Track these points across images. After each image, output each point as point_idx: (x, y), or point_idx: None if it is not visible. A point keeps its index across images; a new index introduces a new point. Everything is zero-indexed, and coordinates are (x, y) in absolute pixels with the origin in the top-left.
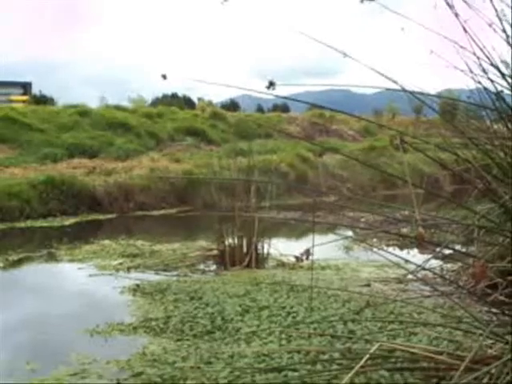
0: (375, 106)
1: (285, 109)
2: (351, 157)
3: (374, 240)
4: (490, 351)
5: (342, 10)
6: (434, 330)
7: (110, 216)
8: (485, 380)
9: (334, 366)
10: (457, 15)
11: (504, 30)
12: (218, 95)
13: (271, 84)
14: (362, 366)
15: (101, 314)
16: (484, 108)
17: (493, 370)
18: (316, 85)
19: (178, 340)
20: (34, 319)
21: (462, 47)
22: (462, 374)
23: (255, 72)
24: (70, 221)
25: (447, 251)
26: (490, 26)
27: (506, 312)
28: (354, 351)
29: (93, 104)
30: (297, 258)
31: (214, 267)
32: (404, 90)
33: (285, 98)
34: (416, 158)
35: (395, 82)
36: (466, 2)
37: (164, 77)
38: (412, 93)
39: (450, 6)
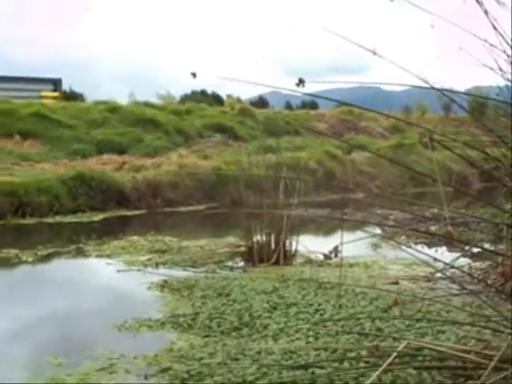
0: (404, 103)
1: (313, 106)
2: (379, 154)
3: (402, 238)
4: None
5: (371, 6)
6: (461, 328)
7: (138, 212)
8: None
9: (361, 364)
10: (486, 12)
11: None
12: (247, 92)
13: (301, 81)
14: (389, 364)
15: (128, 309)
16: None
17: None
18: (344, 82)
19: (206, 336)
20: (61, 314)
21: (491, 45)
22: (489, 374)
23: (284, 69)
24: (98, 216)
25: (476, 249)
26: None
27: None
28: (382, 349)
29: (122, 100)
30: (325, 255)
31: (241, 264)
32: (433, 88)
33: (313, 95)
34: (445, 156)
35: (424, 79)
36: None
37: (194, 75)
38: (441, 90)
39: (480, 3)
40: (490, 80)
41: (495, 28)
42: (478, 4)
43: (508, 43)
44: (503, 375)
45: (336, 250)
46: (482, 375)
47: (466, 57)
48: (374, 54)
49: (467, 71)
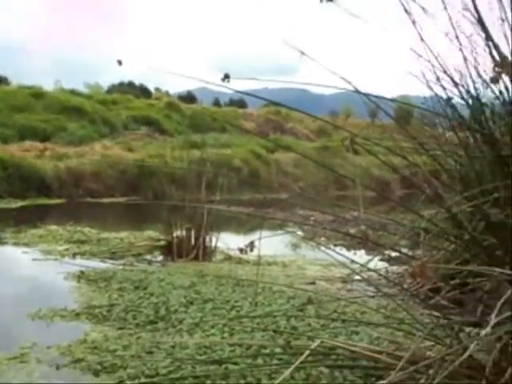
0: (332, 106)
1: (242, 104)
2: (304, 155)
3: (322, 239)
4: (428, 353)
5: (304, 10)
6: (375, 330)
7: (58, 201)
8: (422, 380)
9: (275, 361)
10: (414, 22)
11: (457, 38)
12: (176, 86)
13: (226, 77)
14: (302, 362)
15: (43, 299)
16: (436, 115)
17: (430, 371)
18: (272, 81)
19: (120, 328)
20: None
21: (418, 55)
22: (397, 374)
23: (215, 66)
24: (17, 203)
25: (393, 253)
26: (446, 35)
27: (447, 316)
28: (296, 347)
29: (48, 87)
30: (241, 249)
31: (160, 258)
32: (359, 92)
33: (242, 92)
34: (369, 161)
35: (351, 83)
36: (423, 9)
37: (119, 63)
38: (367, 95)
39: (408, 13)
40: (416, 90)
41: (422, 38)
42: (406, 13)
43: (433, 53)
44: (410, 374)
45: (252, 245)
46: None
47: (394, 64)
48: (302, 54)
49: (395, 79)
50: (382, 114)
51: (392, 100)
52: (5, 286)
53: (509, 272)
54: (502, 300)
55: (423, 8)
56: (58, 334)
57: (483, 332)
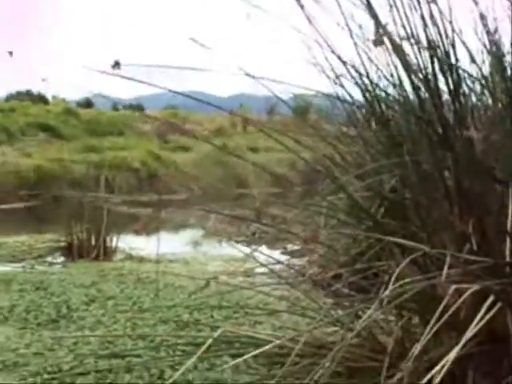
0: (231, 107)
1: (140, 108)
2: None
3: (223, 236)
4: (331, 338)
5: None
6: (279, 319)
7: None
8: (326, 364)
9: (178, 353)
10: (302, 7)
11: (351, 34)
12: (73, 94)
13: (116, 63)
14: (205, 352)
15: None
16: (336, 115)
17: (330, 354)
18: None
19: (22, 328)
20: None
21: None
22: (301, 359)
23: (114, 71)
24: None
25: (295, 247)
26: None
27: (351, 302)
28: (199, 338)
29: None
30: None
31: (61, 259)
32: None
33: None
34: (268, 159)
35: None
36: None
37: (10, 54)
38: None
39: (302, 8)
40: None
41: (319, 33)
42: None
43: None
44: (311, 359)
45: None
46: (296, 361)
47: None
48: (203, 46)
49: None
50: (280, 111)
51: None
52: None
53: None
54: (395, 274)
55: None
56: None
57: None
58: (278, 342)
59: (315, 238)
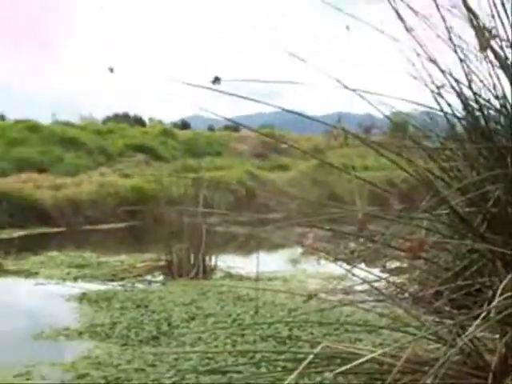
0: (326, 126)
1: (236, 128)
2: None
3: (322, 254)
4: (433, 355)
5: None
6: (379, 336)
7: (58, 229)
8: (428, 381)
9: (278, 369)
10: (408, 29)
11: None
12: (169, 115)
13: (216, 79)
14: (305, 368)
15: (46, 320)
16: (433, 130)
17: (431, 371)
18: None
19: (124, 345)
20: None
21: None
22: (402, 376)
23: (209, 92)
24: (18, 233)
25: (393, 265)
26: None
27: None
28: (299, 354)
29: (44, 121)
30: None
31: (161, 278)
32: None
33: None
34: (365, 177)
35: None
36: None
37: (111, 70)
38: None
39: (402, 20)
40: (409, 105)
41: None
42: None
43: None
44: (412, 376)
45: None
46: (398, 378)
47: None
48: (302, 61)
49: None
50: (377, 131)
51: (387, 117)
52: (7, 311)
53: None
54: (500, 290)
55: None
56: (62, 352)
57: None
58: (376, 355)
59: (421, 246)
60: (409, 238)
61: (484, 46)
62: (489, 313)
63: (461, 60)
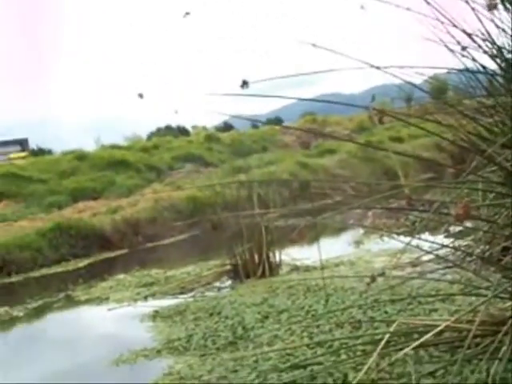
0: (365, 103)
1: (278, 121)
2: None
3: (384, 231)
4: (509, 313)
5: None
6: (454, 304)
7: (120, 252)
8: (507, 340)
9: (358, 353)
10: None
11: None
12: (211, 120)
13: (244, 83)
14: (385, 348)
15: (123, 343)
16: (473, 88)
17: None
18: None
19: (202, 355)
20: (59, 364)
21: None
22: (482, 340)
23: (243, 90)
24: (83, 262)
25: (457, 229)
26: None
27: None
28: (375, 335)
29: (89, 147)
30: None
31: (229, 282)
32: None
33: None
34: (414, 146)
35: (381, 69)
36: None
37: (141, 96)
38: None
39: None
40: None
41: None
42: None
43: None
44: (489, 341)
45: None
46: (478, 343)
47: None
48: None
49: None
50: (417, 98)
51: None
52: (84, 339)
53: None
54: None
55: None
56: (143, 372)
57: None
58: (450, 323)
59: (466, 211)
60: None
61: (493, 5)
62: None
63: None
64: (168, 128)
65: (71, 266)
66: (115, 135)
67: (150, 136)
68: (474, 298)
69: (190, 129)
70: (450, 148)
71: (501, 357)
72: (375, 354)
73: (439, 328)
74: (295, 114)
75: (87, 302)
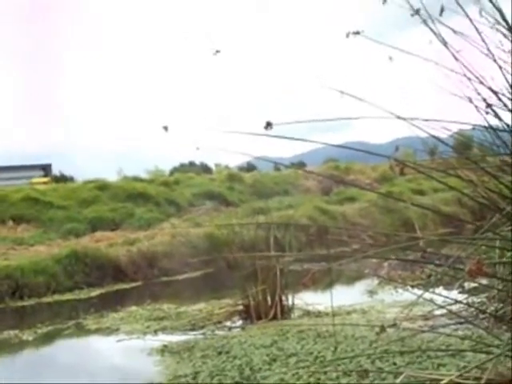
0: (390, 153)
1: (301, 165)
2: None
3: (399, 282)
4: None
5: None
6: (463, 360)
7: (134, 284)
8: None
9: None
10: (455, 54)
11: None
12: (234, 160)
13: (268, 124)
14: None
15: (130, 376)
16: (497, 146)
17: None
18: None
19: None
20: None
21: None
22: None
23: (268, 132)
24: (96, 292)
25: (472, 284)
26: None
27: None
28: None
29: (111, 178)
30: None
31: (240, 322)
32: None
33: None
34: (434, 200)
35: (406, 121)
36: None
37: (166, 128)
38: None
39: (446, 44)
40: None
41: (466, 68)
42: (444, 46)
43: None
44: None
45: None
46: None
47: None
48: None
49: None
50: (441, 151)
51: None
52: (92, 369)
53: None
54: None
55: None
56: None
57: None
58: (454, 377)
59: (479, 267)
60: (469, 260)
61: None
62: None
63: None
64: (191, 164)
65: (84, 294)
66: (137, 168)
67: (173, 171)
68: (483, 356)
69: (212, 167)
70: (470, 204)
71: None
72: None
73: (444, 382)
74: (319, 159)
75: (97, 331)
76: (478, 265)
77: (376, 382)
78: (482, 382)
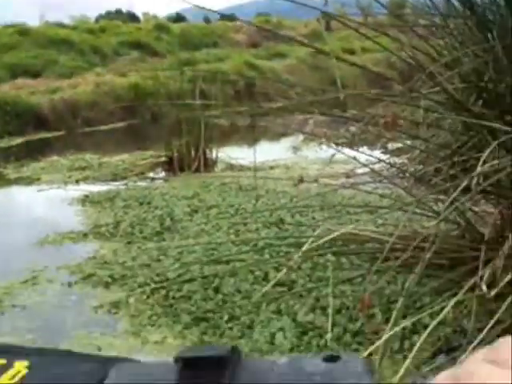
0: (324, 10)
1: (232, 18)
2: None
3: (323, 139)
4: (431, 231)
5: None
6: (380, 217)
7: (57, 134)
8: (428, 255)
9: (281, 254)
10: None
11: None
12: (164, 10)
13: None
14: (308, 251)
15: (50, 225)
16: (428, 7)
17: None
18: None
19: (128, 243)
20: None
21: None
22: (402, 253)
23: None
24: (16, 141)
25: (395, 145)
26: None
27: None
28: (300, 238)
29: (33, 23)
30: None
31: (162, 174)
32: None
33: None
34: (365, 59)
35: None
36: None
37: None
38: None
39: None
40: None
41: None
42: None
43: None
44: (411, 254)
45: None
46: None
47: None
48: None
49: None
50: (375, 12)
51: None
52: (11, 218)
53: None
54: (483, 157)
55: None
56: (68, 255)
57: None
58: (371, 232)
59: (394, 120)
60: (384, 115)
61: None
62: (478, 183)
63: None
64: (118, 12)
65: (4, 143)
66: (62, 15)
67: (99, 19)
68: (400, 213)
69: (140, 16)
70: (399, 66)
71: (417, 271)
72: (297, 255)
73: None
74: (250, 14)
75: (17, 181)
76: (393, 117)
77: (294, 234)
78: (394, 236)
